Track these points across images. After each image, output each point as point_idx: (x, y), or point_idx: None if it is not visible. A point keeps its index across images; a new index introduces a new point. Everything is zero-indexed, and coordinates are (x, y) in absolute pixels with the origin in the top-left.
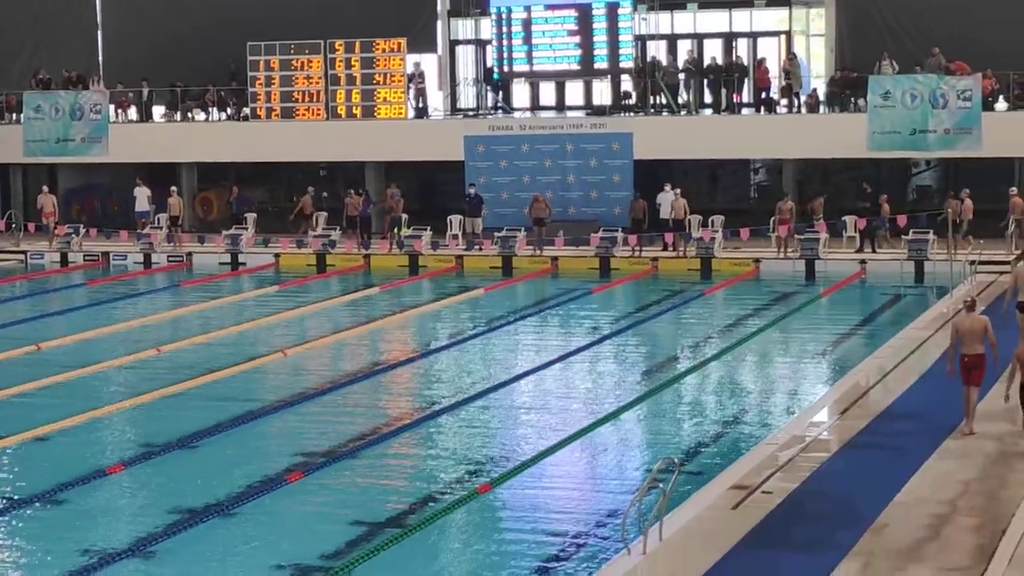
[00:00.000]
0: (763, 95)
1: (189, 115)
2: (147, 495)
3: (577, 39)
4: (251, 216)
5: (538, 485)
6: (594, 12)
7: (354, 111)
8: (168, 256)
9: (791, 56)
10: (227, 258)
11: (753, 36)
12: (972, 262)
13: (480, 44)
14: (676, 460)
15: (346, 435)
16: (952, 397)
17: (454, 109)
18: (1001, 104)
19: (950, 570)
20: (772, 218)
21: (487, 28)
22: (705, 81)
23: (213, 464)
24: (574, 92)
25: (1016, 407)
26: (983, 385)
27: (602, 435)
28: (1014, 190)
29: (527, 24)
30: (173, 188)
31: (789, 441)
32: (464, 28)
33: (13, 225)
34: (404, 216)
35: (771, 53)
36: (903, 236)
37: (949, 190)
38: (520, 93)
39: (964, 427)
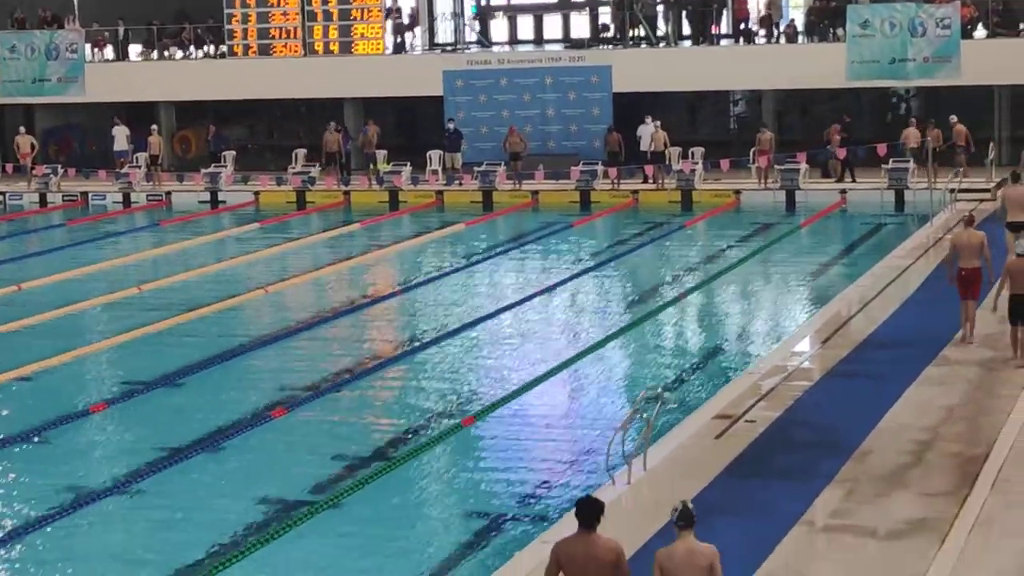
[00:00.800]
0: (742, 26)
1: (166, 53)
2: (131, 433)
3: None
4: (230, 154)
5: (522, 417)
6: None
7: (332, 47)
8: (147, 195)
9: None
10: (207, 196)
11: None
12: (952, 190)
13: None
14: (660, 390)
15: (329, 370)
16: (933, 325)
17: (432, 44)
18: (980, 32)
19: (933, 495)
20: (752, 149)
21: None
22: (684, 12)
23: (197, 401)
24: (552, 25)
25: (1004, 317)
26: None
27: (585, 367)
28: (954, 118)
29: None
30: (153, 127)
31: (771, 370)
32: None
33: None
34: (383, 152)
35: None
36: (883, 165)
37: (915, 117)
38: (499, 27)
39: (963, 338)
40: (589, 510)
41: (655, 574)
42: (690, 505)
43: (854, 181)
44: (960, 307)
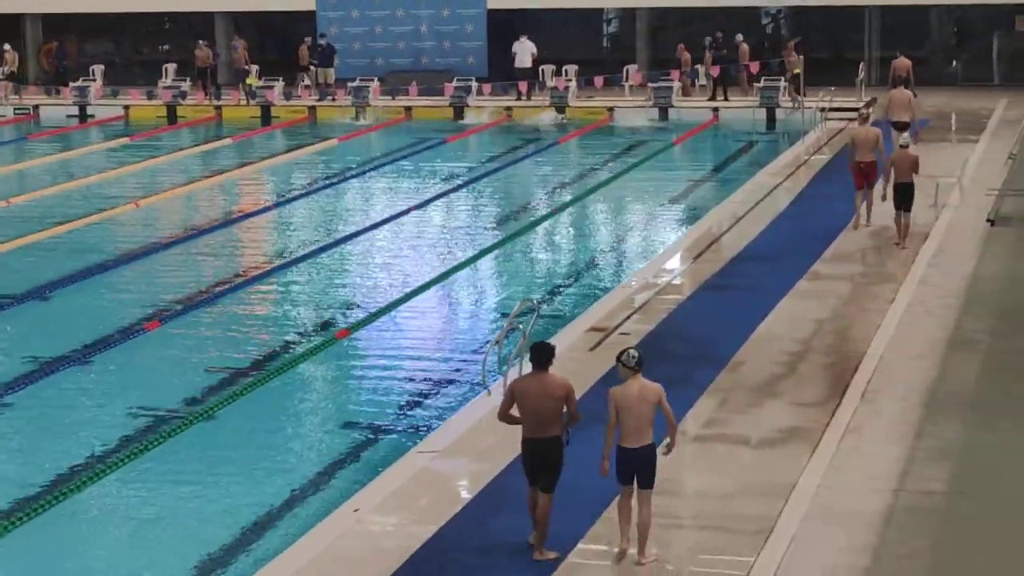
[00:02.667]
0: None
1: None
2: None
3: None
4: (98, 68)
5: (397, 330)
6: None
7: None
8: (14, 108)
9: None
10: (75, 111)
11: None
12: (823, 109)
13: None
14: (535, 302)
15: (202, 284)
16: (804, 241)
17: None
18: None
19: (805, 405)
20: (625, 67)
21: None
22: None
23: (67, 314)
24: None
25: (889, 210)
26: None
27: (459, 282)
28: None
29: None
30: (7, 45)
31: (645, 285)
32: None
33: None
34: (255, 67)
35: None
36: (755, 84)
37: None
38: None
39: (856, 224)
40: (543, 352)
41: (610, 409)
42: (640, 352)
43: (726, 99)
44: (855, 196)
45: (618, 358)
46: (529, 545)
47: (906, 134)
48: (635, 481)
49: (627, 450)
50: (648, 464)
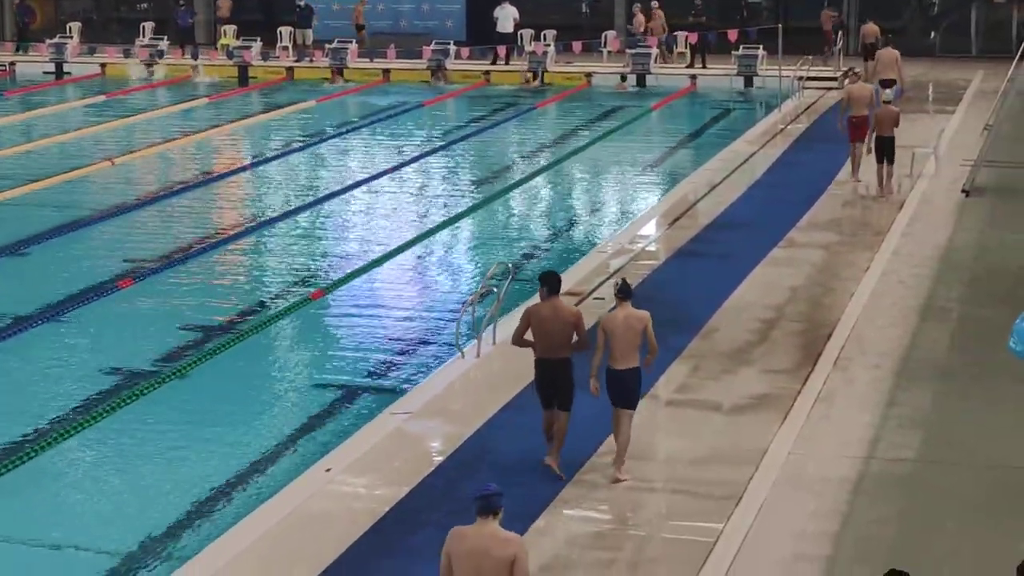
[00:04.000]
0: None
1: None
2: None
3: None
4: (75, 25)
5: (372, 292)
6: None
7: None
8: None
9: None
10: (51, 67)
11: None
12: (800, 78)
13: None
14: (509, 266)
15: (177, 243)
16: (780, 209)
17: None
18: None
19: (777, 372)
20: (604, 33)
21: None
22: None
23: (41, 271)
24: None
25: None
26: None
27: (435, 244)
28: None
29: None
30: None
31: (620, 250)
32: None
33: None
34: (232, 27)
35: None
36: (732, 52)
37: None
38: None
39: (852, 178)
40: (553, 279)
41: (599, 336)
42: (628, 280)
43: (704, 66)
44: (850, 149)
45: (614, 287)
46: (544, 464)
47: (890, 91)
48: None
49: (614, 372)
50: (632, 385)
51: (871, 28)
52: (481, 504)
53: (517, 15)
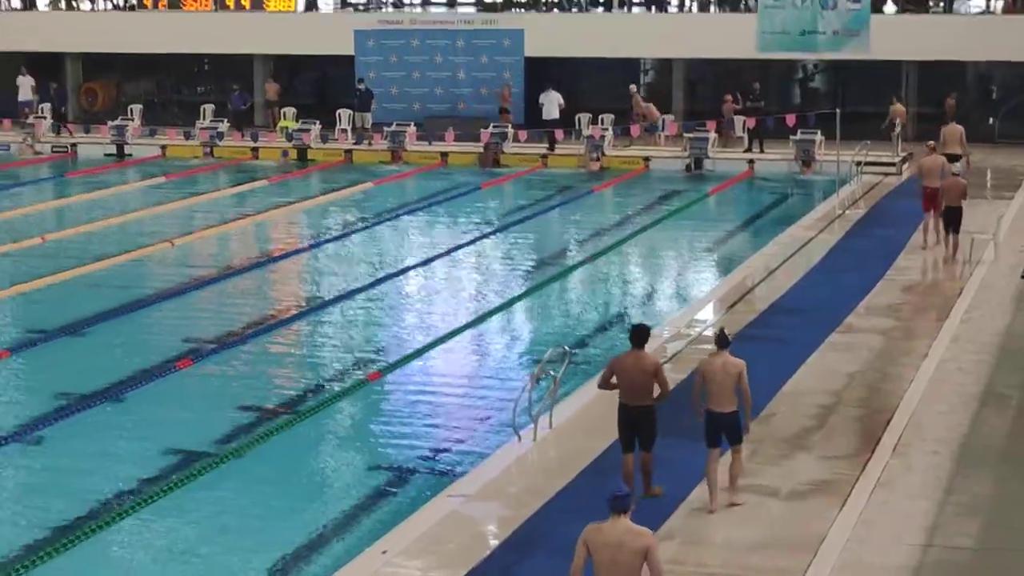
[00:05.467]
0: None
1: (74, 4)
2: (33, 380)
3: None
4: (136, 107)
5: (429, 374)
6: None
7: (243, 2)
8: (52, 146)
9: None
10: (113, 149)
11: None
12: (859, 163)
13: None
14: (566, 349)
15: (235, 324)
16: (838, 294)
17: (344, 3)
18: (890, 7)
19: (835, 458)
20: (663, 117)
21: None
22: None
23: (101, 351)
24: None
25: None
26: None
27: (493, 326)
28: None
29: None
30: (271, 77)
31: (677, 334)
32: None
33: None
34: (291, 110)
35: None
36: (791, 137)
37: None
38: None
39: (923, 246)
40: (640, 332)
41: (696, 380)
42: (726, 331)
43: (762, 151)
44: (923, 220)
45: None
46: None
47: (957, 164)
48: (724, 441)
49: (714, 414)
50: (733, 426)
51: (899, 109)
52: (614, 503)
53: (562, 101)
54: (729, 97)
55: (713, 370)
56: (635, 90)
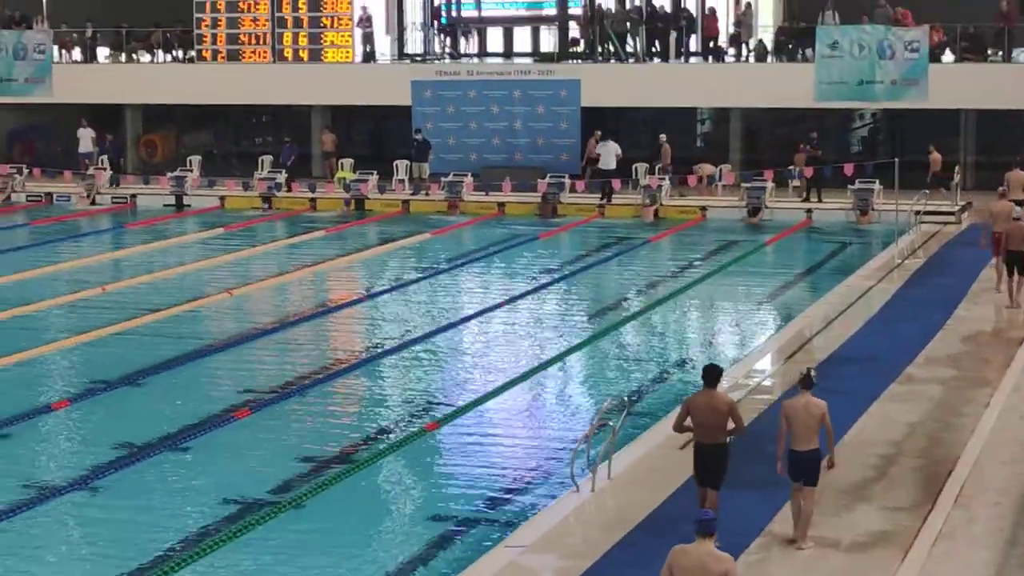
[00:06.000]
0: (711, 44)
1: (134, 56)
2: (93, 430)
3: None
4: (196, 158)
5: (486, 424)
6: None
7: (301, 54)
8: (112, 198)
9: (746, 5)
10: (172, 200)
11: None
12: (918, 212)
13: None
14: (625, 399)
15: (293, 373)
16: (897, 343)
17: (401, 54)
18: (948, 56)
19: (897, 509)
20: (720, 167)
21: None
22: (653, 29)
23: (160, 400)
24: (522, 38)
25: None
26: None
27: (550, 376)
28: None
29: None
30: (327, 128)
31: (736, 384)
32: None
33: None
34: (349, 160)
35: (719, 2)
36: (849, 186)
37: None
38: (468, 38)
39: (996, 289)
40: (713, 372)
41: (781, 421)
42: (814, 372)
43: (819, 200)
44: (994, 261)
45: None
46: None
47: (1019, 208)
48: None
49: (796, 452)
50: (812, 465)
51: (935, 157)
52: (700, 527)
53: (619, 151)
54: (803, 146)
55: (796, 410)
56: (664, 139)
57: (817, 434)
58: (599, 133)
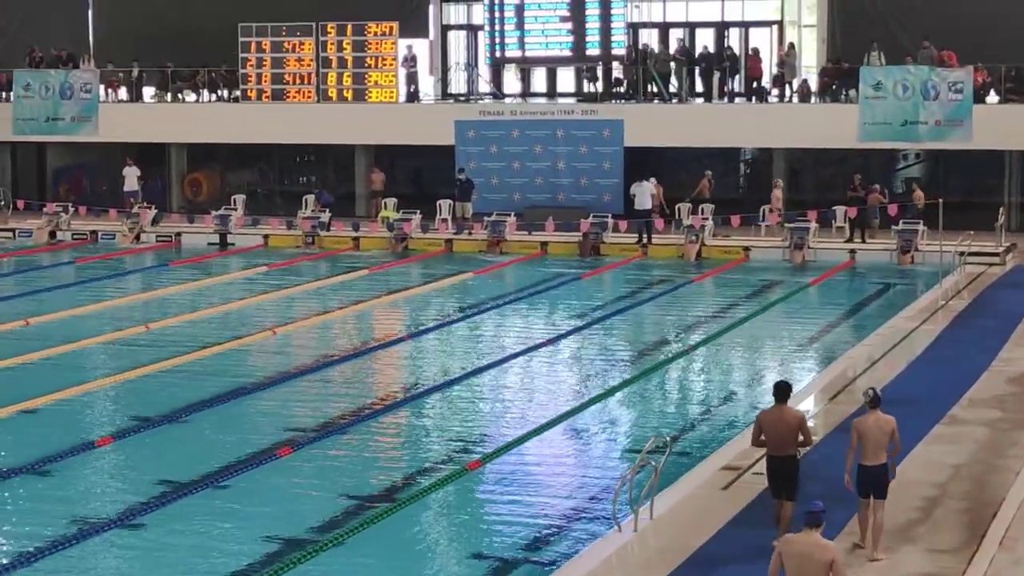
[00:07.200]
0: (755, 84)
1: (179, 96)
2: (135, 467)
3: (569, 25)
4: (240, 197)
5: (528, 463)
6: None
7: (345, 94)
8: (156, 236)
9: (789, 46)
10: (216, 238)
11: (745, 25)
12: (962, 253)
13: (472, 29)
14: (667, 439)
15: (335, 412)
16: (941, 385)
17: (445, 94)
18: (992, 97)
19: (941, 551)
20: (763, 207)
21: (479, 13)
22: (696, 69)
23: (202, 438)
24: (565, 79)
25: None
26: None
27: (592, 415)
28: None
29: (519, 9)
30: (375, 167)
31: None
32: (456, 13)
33: (1, 203)
34: (393, 199)
35: (762, 43)
36: (892, 227)
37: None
38: (511, 79)
39: None
40: (783, 388)
41: (852, 436)
42: (877, 391)
43: (864, 241)
44: None
45: (865, 394)
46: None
47: None
48: (871, 494)
49: (865, 467)
50: (881, 479)
51: (919, 195)
52: (809, 518)
53: (654, 191)
54: (877, 187)
55: (868, 427)
56: (710, 175)
57: (885, 449)
58: (709, 173)
